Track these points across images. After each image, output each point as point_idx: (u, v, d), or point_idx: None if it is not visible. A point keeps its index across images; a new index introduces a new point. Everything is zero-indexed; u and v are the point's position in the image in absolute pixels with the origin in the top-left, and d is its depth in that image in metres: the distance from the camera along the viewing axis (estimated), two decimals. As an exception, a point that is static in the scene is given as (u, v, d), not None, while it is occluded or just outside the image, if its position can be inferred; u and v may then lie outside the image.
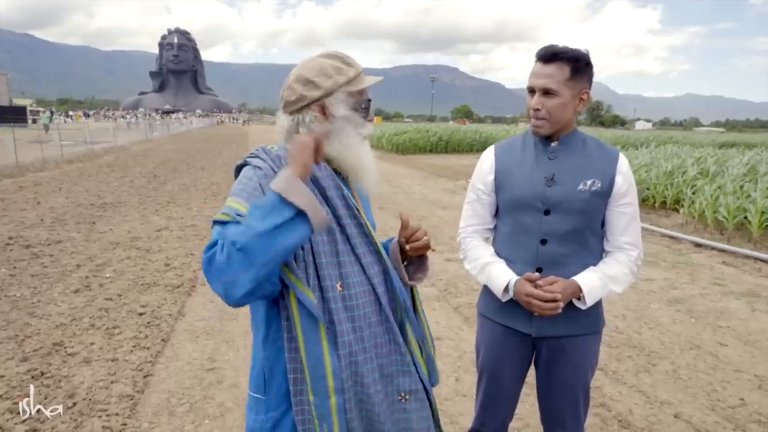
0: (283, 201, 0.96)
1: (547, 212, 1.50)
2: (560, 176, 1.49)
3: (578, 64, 1.42)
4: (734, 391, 2.99)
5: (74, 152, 16.29)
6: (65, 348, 3.32)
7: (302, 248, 1.10)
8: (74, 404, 2.69)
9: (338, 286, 1.12)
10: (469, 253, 1.64)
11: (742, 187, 7.76)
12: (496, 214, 1.66)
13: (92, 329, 3.62)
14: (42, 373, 2.99)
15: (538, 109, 1.45)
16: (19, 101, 67.86)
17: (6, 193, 8.94)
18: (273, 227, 0.94)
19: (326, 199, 1.16)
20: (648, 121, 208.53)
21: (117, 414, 2.63)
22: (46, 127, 28.46)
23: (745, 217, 6.81)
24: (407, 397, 1.19)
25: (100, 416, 2.61)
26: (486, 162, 1.62)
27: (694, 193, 8.05)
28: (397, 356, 1.19)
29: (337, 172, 1.22)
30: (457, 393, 2.90)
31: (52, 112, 58.95)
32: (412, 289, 1.35)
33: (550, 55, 1.42)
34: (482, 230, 1.66)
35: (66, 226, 6.67)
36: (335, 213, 1.16)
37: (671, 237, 7.05)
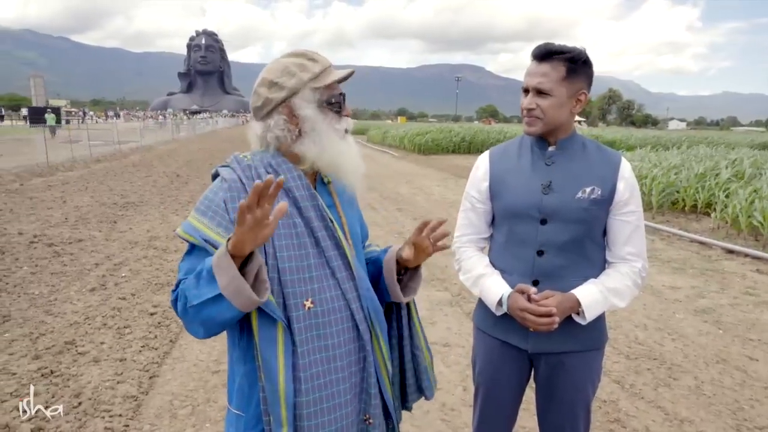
0: (214, 277, 0.95)
1: (543, 221, 1.40)
2: (558, 183, 1.38)
3: (574, 64, 1.32)
4: (763, 410, 2.80)
5: (102, 152, 16.74)
6: (76, 347, 3.36)
7: (267, 263, 1.05)
8: (79, 404, 2.71)
9: (308, 303, 1.07)
10: (463, 264, 1.55)
11: (779, 190, 7.38)
12: (493, 222, 1.57)
13: (104, 328, 3.66)
14: (51, 372, 3.02)
15: (531, 109, 1.36)
16: (54, 102, 71.13)
17: (35, 192, 9.22)
18: (203, 302, 0.96)
19: (299, 210, 1.11)
20: (682, 120, 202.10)
21: (120, 415, 2.63)
22: (53, 130, 21.92)
23: (782, 223, 6.48)
24: (371, 420, 1.15)
25: (104, 417, 2.62)
26: (480, 168, 1.53)
27: (727, 196, 7.69)
28: (366, 375, 1.15)
29: (320, 174, 1.19)
30: (464, 403, 2.80)
31: (84, 113, 60.70)
32: (408, 303, 1.31)
33: (544, 54, 1.33)
34: (477, 240, 1.57)
35: (89, 224, 6.83)
36: (309, 225, 1.11)
37: (701, 242, 6.74)
